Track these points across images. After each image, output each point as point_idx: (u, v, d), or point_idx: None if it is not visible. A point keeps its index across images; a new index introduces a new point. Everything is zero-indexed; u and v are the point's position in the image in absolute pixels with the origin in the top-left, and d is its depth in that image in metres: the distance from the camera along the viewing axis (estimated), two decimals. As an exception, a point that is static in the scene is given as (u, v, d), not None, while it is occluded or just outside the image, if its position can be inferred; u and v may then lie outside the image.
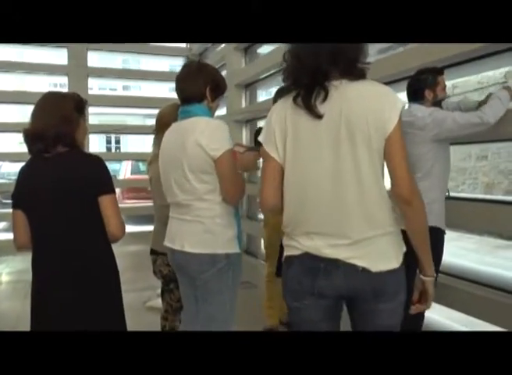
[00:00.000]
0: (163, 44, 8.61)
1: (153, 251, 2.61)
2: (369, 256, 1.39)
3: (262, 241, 3.46)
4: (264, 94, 6.95)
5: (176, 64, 13.25)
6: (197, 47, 8.69)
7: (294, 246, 1.48)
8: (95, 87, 10.06)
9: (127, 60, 15.15)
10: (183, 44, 8.98)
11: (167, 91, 16.51)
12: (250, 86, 6.71)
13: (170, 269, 2.42)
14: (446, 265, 2.77)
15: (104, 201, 1.75)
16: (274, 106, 1.55)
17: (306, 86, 1.41)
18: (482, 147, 7.94)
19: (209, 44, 8.28)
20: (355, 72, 1.41)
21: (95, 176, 1.75)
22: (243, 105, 6.77)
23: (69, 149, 1.78)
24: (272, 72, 6.20)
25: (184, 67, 2.12)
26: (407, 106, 2.64)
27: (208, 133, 1.93)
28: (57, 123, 1.75)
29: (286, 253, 1.52)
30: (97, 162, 1.78)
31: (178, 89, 2.09)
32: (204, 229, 1.97)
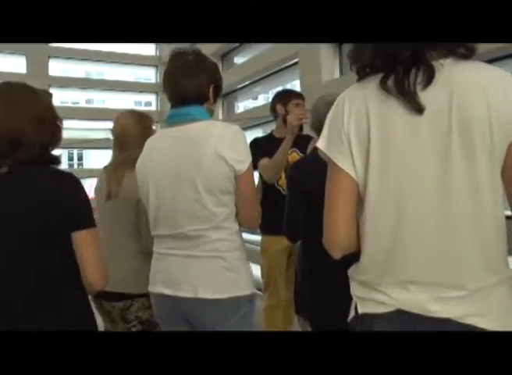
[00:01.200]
0: (130, 53, 8.11)
1: (123, 296, 1.98)
2: (490, 312, 0.98)
3: (260, 270, 2.97)
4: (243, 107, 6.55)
5: (141, 76, 12.77)
6: (166, 55, 8.23)
7: (378, 300, 1.02)
8: (56, 100, 9.42)
9: (90, 72, 14.55)
10: (152, 53, 8.51)
11: (132, 104, 15.99)
12: (228, 95, 6.28)
13: (151, 311, 1.91)
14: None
15: (81, 238, 1.26)
16: (341, 97, 1.06)
17: (404, 63, 0.96)
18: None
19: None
20: (464, 48, 0.98)
21: (69, 202, 1.25)
22: (220, 116, 6.32)
23: (33, 164, 1.27)
24: (251, 81, 5.82)
25: (177, 57, 1.61)
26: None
27: (228, 141, 1.50)
28: (23, 125, 1.24)
29: (363, 310, 1.06)
30: (71, 182, 1.28)
31: (172, 86, 1.60)
32: (225, 267, 1.54)
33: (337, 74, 3.78)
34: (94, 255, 1.26)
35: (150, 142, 1.67)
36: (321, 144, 1.05)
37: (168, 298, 1.57)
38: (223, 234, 1.54)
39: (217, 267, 1.54)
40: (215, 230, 1.53)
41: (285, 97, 2.89)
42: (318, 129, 2.20)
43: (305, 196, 1.91)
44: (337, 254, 1.07)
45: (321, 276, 1.90)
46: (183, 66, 1.58)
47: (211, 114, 1.65)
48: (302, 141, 2.75)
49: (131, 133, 1.99)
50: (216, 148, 1.48)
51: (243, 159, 1.51)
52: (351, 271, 1.09)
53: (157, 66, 8.64)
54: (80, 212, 1.27)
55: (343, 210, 1.03)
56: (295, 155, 2.83)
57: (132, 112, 2.13)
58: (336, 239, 1.04)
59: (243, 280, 1.57)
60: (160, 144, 1.62)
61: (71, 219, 1.24)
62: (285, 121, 2.82)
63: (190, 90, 1.57)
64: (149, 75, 9.06)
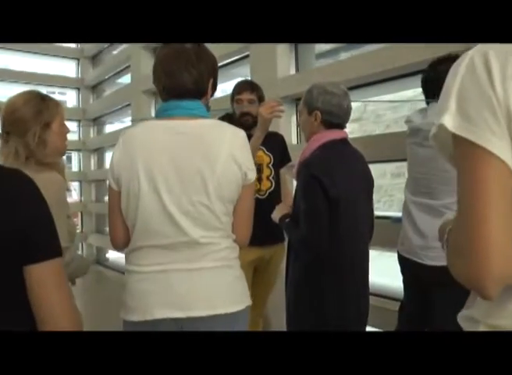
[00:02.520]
0: (50, 44, 7.34)
1: None
2: None
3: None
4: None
5: (57, 71, 11.78)
6: (89, 47, 7.56)
7: None
8: None
9: (7, 66, 13.26)
10: (73, 45, 7.79)
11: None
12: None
13: None
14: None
15: (38, 274, 0.82)
16: (478, 53, 0.71)
17: None
18: (397, 164, 7.87)
19: (105, 45, 7.23)
20: None
21: (22, 220, 0.80)
22: (153, 114, 5.83)
23: None
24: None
25: (173, 46, 1.45)
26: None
27: (240, 145, 1.43)
28: None
29: None
30: (27, 188, 0.84)
31: (169, 77, 1.43)
32: (235, 275, 1.49)
33: (293, 70, 3.51)
34: (60, 298, 0.84)
35: (139, 133, 1.43)
36: (449, 121, 0.70)
37: (174, 321, 1.38)
38: (230, 242, 1.47)
39: (230, 277, 1.47)
40: (225, 238, 1.45)
41: (232, 92, 2.58)
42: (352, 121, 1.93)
43: (329, 202, 1.73)
44: (493, 291, 0.69)
45: (337, 303, 1.81)
46: (183, 56, 1.44)
47: (208, 110, 1.53)
48: (269, 139, 2.45)
49: (30, 117, 1.57)
50: (232, 151, 1.39)
51: (253, 168, 1.46)
52: (477, 312, 0.76)
53: (78, 59, 7.92)
54: (38, 235, 0.83)
55: (502, 223, 0.67)
56: (261, 154, 2.52)
57: (25, 93, 1.65)
58: (490, 268, 0.67)
59: (246, 287, 1.53)
60: (159, 136, 1.40)
61: (25, 244, 0.81)
62: (238, 120, 2.51)
63: (190, 83, 1.44)
64: (69, 69, 8.26)
